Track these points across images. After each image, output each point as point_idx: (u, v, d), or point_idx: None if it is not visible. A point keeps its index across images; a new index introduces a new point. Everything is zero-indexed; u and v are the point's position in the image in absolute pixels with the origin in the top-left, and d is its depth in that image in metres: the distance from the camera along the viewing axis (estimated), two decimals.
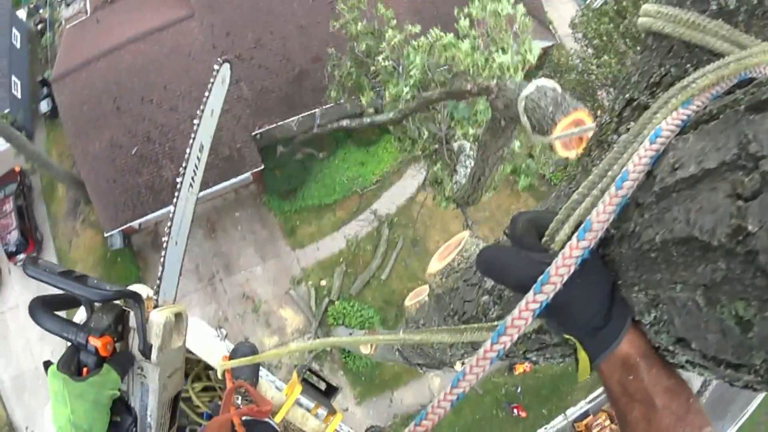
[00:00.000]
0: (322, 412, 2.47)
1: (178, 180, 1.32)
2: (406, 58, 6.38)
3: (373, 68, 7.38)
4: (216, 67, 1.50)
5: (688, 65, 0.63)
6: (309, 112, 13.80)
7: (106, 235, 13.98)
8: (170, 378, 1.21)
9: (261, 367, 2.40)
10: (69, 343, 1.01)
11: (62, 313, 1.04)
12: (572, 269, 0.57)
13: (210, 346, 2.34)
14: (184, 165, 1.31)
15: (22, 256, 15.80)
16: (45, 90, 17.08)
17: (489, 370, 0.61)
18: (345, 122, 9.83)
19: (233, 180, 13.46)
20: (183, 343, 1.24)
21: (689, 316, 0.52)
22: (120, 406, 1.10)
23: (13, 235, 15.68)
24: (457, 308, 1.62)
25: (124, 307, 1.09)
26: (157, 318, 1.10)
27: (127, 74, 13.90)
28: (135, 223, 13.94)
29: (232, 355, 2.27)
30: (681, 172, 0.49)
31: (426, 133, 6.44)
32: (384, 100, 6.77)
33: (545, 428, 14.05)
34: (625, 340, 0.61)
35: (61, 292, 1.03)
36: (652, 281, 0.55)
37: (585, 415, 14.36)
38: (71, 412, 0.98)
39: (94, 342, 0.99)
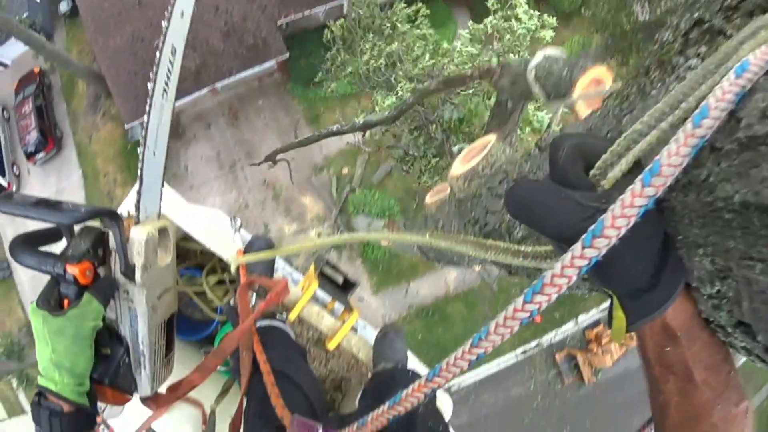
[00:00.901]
0: (337, 307, 2.38)
1: (149, 86, 1.19)
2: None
3: None
4: None
5: None
6: (337, 3, 13.45)
7: (126, 126, 13.94)
8: (160, 299, 1.14)
9: (278, 258, 2.31)
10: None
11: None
12: (632, 221, 0.46)
13: (225, 239, 2.23)
14: (154, 70, 1.18)
15: (41, 155, 15.79)
16: None
17: (517, 330, 0.52)
18: None
19: (257, 68, 13.22)
20: (171, 260, 1.16)
21: (764, 305, 0.45)
22: (109, 337, 1.06)
23: (33, 135, 15.74)
24: (479, 217, 1.57)
25: (102, 229, 1.02)
26: (138, 235, 1.03)
27: None
28: None
29: (247, 249, 2.13)
30: None
31: (423, 146, 6.17)
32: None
33: (555, 332, 14.12)
34: (672, 307, 0.52)
35: (42, 226, 0.98)
36: (721, 248, 0.47)
37: (596, 323, 14.39)
38: (52, 351, 0.93)
39: (72, 270, 0.94)
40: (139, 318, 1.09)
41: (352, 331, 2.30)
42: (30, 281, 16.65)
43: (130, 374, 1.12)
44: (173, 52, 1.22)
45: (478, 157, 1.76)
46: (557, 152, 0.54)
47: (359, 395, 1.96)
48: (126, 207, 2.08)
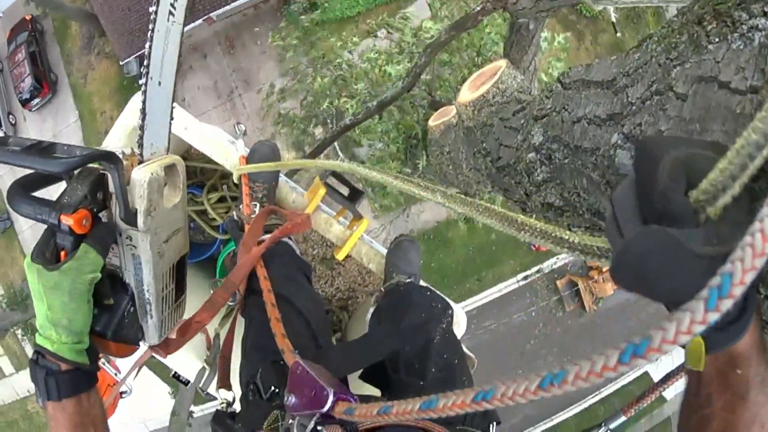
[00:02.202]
0: (344, 220, 2.21)
1: (151, 9, 1.09)
2: None
3: None
4: None
5: None
6: None
7: (122, 63, 13.76)
8: (168, 243, 1.06)
9: (280, 173, 2.14)
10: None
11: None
12: (757, 271, 0.36)
13: (225, 150, 2.05)
14: None
15: (36, 100, 15.67)
16: None
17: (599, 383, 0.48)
18: None
19: None
20: (181, 198, 1.08)
21: None
22: (112, 286, 0.99)
23: (27, 82, 15.60)
24: (491, 149, 1.48)
25: (102, 171, 0.92)
26: (140, 176, 0.94)
27: None
28: None
29: (250, 157, 2.00)
30: None
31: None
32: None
33: (557, 258, 14.12)
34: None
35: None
36: None
37: None
38: (48, 308, 0.86)
39: (66, 220, 0.85)
40: (143, 265, 1.01)
41: (362, 241, 2.14)
42: (31, 230, 16.62)
43: (136, 323, 1.05)
44: None
45: (488, 84, 1.66)
46: (654, 168, 0.44)
47: (370, 312, 1.83)
48: (109, 143, 2.00)
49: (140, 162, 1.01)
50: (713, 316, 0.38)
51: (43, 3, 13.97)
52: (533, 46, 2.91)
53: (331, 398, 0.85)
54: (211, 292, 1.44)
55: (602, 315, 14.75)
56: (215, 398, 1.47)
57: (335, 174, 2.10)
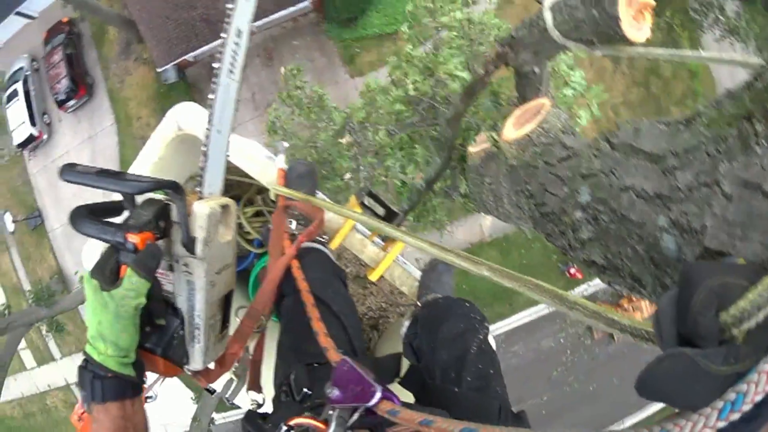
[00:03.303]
0: (379, 240, 2.22)
1: (215, 66, 1.25)
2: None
3: None
4: None
5: None
6: None
7: (159, 70, 13.83)
8: (219, 275, 1.16)
9: (317, 191, 2.17)
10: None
11: None
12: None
13: (263, 167, 2.10)
14: (220, 50, 1.24)
15: (72, 102, 15.82)
16: None
17: None
18: None
19: (291, 9, 13.02)
20: (233, 237, 1.20)
21: None
22: (165, 308, 1.07)
23: (63, 84, 15.90)
24: (535, 193, 1.51)
25: (165, 201, 1.03)
26: (201, 209, 1.06)
27: None
28: (190, 56, 13.70)
29: (289, 174, 2.05)
30: None
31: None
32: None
33: (588, 284, 14.02)
34: None
35: (103, 200, 1.01)
36: None
37: None
38: (98, 323, 0.94)
39: (132, 239, 0.93)
40: (196, 292, 1.10)
41: (396, 263, 2.13)
42: (62, 229, 16.81)
43: (183, 347, 1.13)
44: (239, 34, 1.24)
45: (533, 124, 1.66)
46: (692, 294, 0.51)
47: (405, 325, 1.83)
48: (148, 153, 2.11)
49: (200, 198, 1.15)
50: (722, 424, 0.45)
51: (81, 6, 14.13)
52: (544, 85, 3.00)
53: (378, 394, 0.88)
54: (237, 320, 1.48)
55: (631, 344, 14.57)
56: (239, 407, 1.58)
57: (371, 194, 2.11)
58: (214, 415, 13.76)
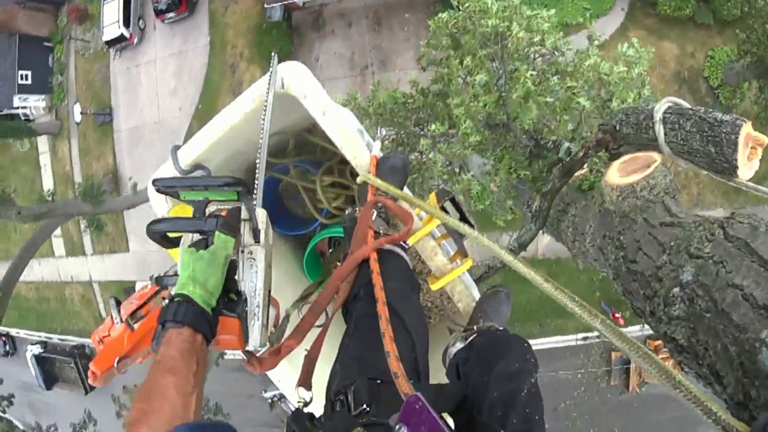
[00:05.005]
0: (448, 247, 2.10)
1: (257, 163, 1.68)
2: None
3: None
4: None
5: None
6: None
7: (266, 6, 13.92)
8: (270, 268, 1.41)
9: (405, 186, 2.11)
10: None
11: None
12: None
13: (358, 147, 2.03)
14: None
15: (171, 15, 16.01)
16: None
17: None
18: None
19: None
20: (272, 243, 1.47)
21: None
22: (236, 287, 1.32)
23: None
24: (628, 246, 1.49)
25: (236, 206, 1.36)
26: (260, 211, 1.42)
27: None
28: (300, 0, 13.75)
29: (382, 164, 1.98)
30: None
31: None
32: None
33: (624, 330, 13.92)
34: None
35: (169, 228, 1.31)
36: None
37: None
38: (192, 270, 1.19)
39: (219, 212, 1.31)
40: (258, 273, 1.35)
41: (460, 279, 2.08)
42: (128, 132, 17.13)
43: (245, 324, 1.32)
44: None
45: (639, 175, 1.66)
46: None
47: (459, 345, 1.78)
48: (226, 119, 2.16)
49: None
50: None
51: None
52: None
53: None
54: (299, 317, 1.57)
55: (642, 400, 14.56)
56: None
57: (453, 200, 2.07)
58: None
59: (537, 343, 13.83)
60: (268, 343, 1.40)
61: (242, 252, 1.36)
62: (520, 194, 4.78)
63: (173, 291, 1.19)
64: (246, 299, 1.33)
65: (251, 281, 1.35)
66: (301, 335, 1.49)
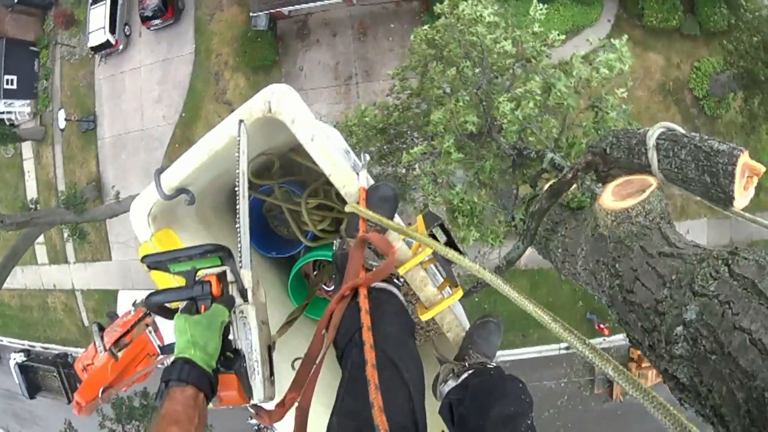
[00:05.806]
0: (436, 273, 2.05)
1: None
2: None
3: None
4: None
5: None
6: None
7: (252, 14, 13.93)
8: (263, 324, 1.49)
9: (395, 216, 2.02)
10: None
11: None
12: None
13: (346, 175, 1.95)
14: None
15: (157, 21, 15.96)
16: None
17: None
18: None
19: None
20: (264, 300, 1.57)
21: None
22: (232, 347, 1.40)
23: (153, 1, 15.86)
24: (624, 275, 1.45)
25: (221, 269, 1.43)
26: (246, 271, 1.50)
27: None
28: (285, 10, 13.79)
29: (371, 193, 1.90)
30: None
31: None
32: None
33: (603, 339, 14.19)
34: None
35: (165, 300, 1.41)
36: None
37: None
38: (190, 336, 1.25)
39: (210, 279, 1.38)
40: (251, 330, 1.43)
41: (449, 309, 2.05)
42: (112, 140, 16.99)
43: (247, 380, 1.40)
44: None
45: (634, 200, 1.60)
46: None
47: (452, 383, 1.77)
48: (192, 157, 2.10)
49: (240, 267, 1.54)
50: None
51: None
52: None
53: None
54: (294, 370, 1.59)
55: (626, 408, 14.67)
56: None
57: (443, 226, 1.99)
58: None
59: (520, 353, 13.93)
60: (275, 396, 1.47)
61: (233, 312, 1.43)
62: (504, 207, 4.78)
63: (173, 356, 1.26)
64: (244, 356, 1.40)
65: (246, 338, 1.42)
66: (299, 387, 1.50)
